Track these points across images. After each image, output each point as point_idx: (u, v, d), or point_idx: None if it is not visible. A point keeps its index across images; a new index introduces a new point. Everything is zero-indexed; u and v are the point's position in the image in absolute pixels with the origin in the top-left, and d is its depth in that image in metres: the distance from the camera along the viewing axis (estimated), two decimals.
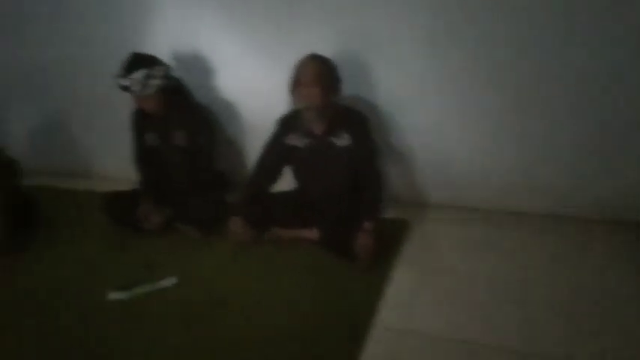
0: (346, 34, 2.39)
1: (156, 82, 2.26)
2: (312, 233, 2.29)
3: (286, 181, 2.40)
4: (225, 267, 2.20)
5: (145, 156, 2.55)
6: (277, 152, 2.31)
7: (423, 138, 2.50)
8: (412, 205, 2.62)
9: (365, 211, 2.14)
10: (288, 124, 2.27)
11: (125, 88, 2.25)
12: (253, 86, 2.68)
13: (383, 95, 2.47)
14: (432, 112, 2.41)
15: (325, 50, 2.21)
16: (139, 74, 2.22)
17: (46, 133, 3.37)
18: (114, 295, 1.99)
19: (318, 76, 2.07)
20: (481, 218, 2.47)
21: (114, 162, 3.15)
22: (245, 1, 2.51)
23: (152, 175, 2.55)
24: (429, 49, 2.27)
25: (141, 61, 2.27)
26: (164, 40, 2.73)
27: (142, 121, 2.49)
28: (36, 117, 3.35)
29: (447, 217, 2.51)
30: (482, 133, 2.38)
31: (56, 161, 3.46)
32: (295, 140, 2.26)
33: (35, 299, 2.06)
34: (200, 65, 2.73)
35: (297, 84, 2.12)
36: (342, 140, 2.20)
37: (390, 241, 2.24)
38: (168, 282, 2.06)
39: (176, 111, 2.42)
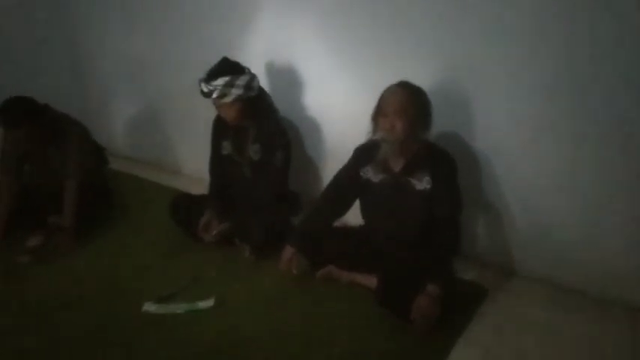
0: (450, 64, 2.11)
1: (236, 92, 2.17)
2: (370, 280, 2.03)
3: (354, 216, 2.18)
4: (267, 298, 2.04)
5: (218, 164, 2.48)
6: (349, 183, 2.09)
7: (520, 192, 2.11)
8: (496, 270, 2.24)
9: (431, 269, 1.83)
10: (364, 154, 2.05)
11: (205, 94, 2.19)
12: (341, 107, 2.50)
13: (480, 135, 2.14)
14: (537, 163, 2.03)
15: (423, 80, 1.96)
16: (220, 81, 2.15)
17: (143, 125, 3.50)
18: (148, 307, 1.92)
19: (403, 107, 1.82)
20: (577, 305, 2.01)
21: (201, 163, 3.16)
22: (348, 20, 2.34)
23: (222, 185, 2.47)
24: (545, 91, 1.91)
25: (226, 68, 2.19)
26: (259, 49, 2.67)
27: (221, 128, 2.42)
28: (136, 109, 3.49)
29: (534, 293, 2.09)
30: (597, 200, 1.94)
31: (150, 154, 3.57)
32: (370, 174, 2.03)
33: (75, 292, 2.07)
34: (290, 78, 2.61)
35: (379, 113, 1.89)
36: (422, 183, 1.92)
37: (458, 309, 1.90)
38: (205, 304, 1.94)
39: (255, 123, 2.32)
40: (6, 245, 2.32)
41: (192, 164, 3.34)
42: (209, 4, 2.79)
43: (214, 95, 2.16)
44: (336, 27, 2.39)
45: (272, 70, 2.67)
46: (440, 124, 2.02)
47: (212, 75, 2.17)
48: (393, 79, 1.92)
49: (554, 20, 1.81)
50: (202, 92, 2.19)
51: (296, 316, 1.92)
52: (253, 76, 2.25)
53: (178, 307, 1.92)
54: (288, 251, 2.06)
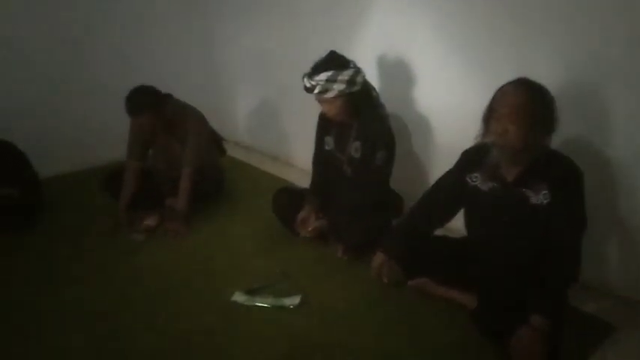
0: (583, 59, 1.81)
1: (338, 87, 2.09)
2: (468, 300, 1.83)
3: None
4: (352, 303, 1.95)
5: (321, 160, 2.44)
6: (454, 189, 1.89)
7: None
8: (629, 305, 1.88)
9: (540, 298, 1.57)
10: (473, 159, 1.83)
11: (308, 89, 2.15)
12: (454, 106, 2.30)
13: (619, 142, 1.80)
14: None
15: (548, 77, 1.70)
16: (322, 76, 2.08)
17: (263, 117, 3.62)
18: (237, 297, 1.95)
19: (518, 109, 1.57)
20: None
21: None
22: (467, 12, 2.14)
23: (323, 181, 2.43)
24: None
25: (330, 63, 2.12)
26: (374, 43, 2.57)
27: (325, 123, 2.37)
28: (258, 101, 3.62)
29: None
30: None
31: (267, 145, 3.68)
32: (478, 181, 1.81)
33: (173, 274, 2.18)
34: (402, 73, 2.48)
35: (491, 114, 1.66)
36: (538, 196, 1.66)
37: (571, 347, 1.62)
38: (290, 301, 1.92)
39: (358, 120, 2.23)
40: (126, 223, 2.55)
41: (304, 157, 3.35)
42: (324, 1, 2.76)
43: (316, 91, 2.11)
44: (453, 20, 2.21)
45: (383, 64, 2.56)
46: (567, 128, 1.74)
47: (315, 70, 2.12)
48: (513, 75, 1.67)
49: None
50: (305, 87, 2.15)
51: (378, 328, 1.81)
52: (358, 71, 2.15)
53: (265, 301, 1.93)
54: (380, 258, 1.94)
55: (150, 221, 2.55)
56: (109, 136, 3.12)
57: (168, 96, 2.55)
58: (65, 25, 3.14)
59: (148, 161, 2.72)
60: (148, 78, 2.55)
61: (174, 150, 2.63)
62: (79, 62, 3.25)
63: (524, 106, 1.57)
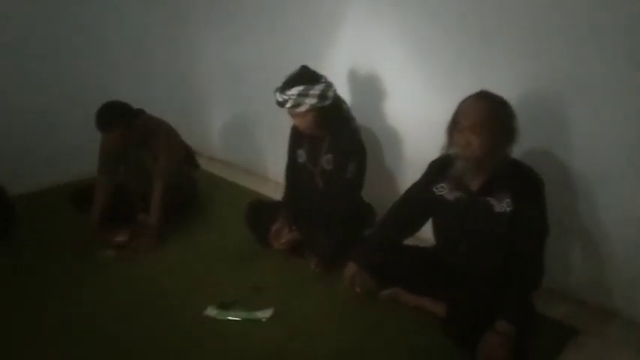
0: (547, 73, 1.89)
1: (310, 101, 2.13)
2: (438, 308, 1.86)
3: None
4: (326, 315, 1.96)
5: (294, 172, 2.47)
6: (421, 200, 1.94)
7: (626, 225, 1.81)
8: (592, 309, 1.94)
9: (504, 304, 1.62)
10: (438, 170, 1.88)
11: (279, 103, 2.18)
12: (423, 118, 2.36)
13: (579, 154, 1.88)
14: None
15: (512, 90, 1.78)
16: (294, 91, 2.12)
17: (236, 131, 3.63)
18: (210, 312, 1.95)
19: (480, 121, 1.63)
20: None
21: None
22: (432, 30, 2.21)
23: (296, 194, 2.45)
24: None
25: (301, 78, 2.16)
26: (342, 58, 2.63)
27: (297, 136, 2.41)
28: (232, 114, 3.63)
29: (635, 341, 1.77)
30: None
31: (242, 159, 3.69)
32: (444, 190, 1.86)
33: (145, 289, 2.16)
34: (371, 87, 2.53)
35: (454, 126, 1.72)
36: (501, 204, 1.72)
37: (536, 352, 1.67)
38: (263, 314, 1.92)
39: (329, 133, 2.27)
40: (96, 239, 2.51)
41: (278, 170, 3.37)
42: (295, 15, 2.82)
43: (288, 105, 2.14)
44: (420, 37, 2.29)
45: (353, 78, 2.62)
46: (530, 139, 1.81)
47: (287, 84, 2.16)
48: (478, 88, 1.74)
49: None
50: (277, 102, 2.18)
51: (353, 338, 1.83)
52: (329, 85, 2.20)
53: (237, 315, 1.92)
54: (352, 268, 1.96)
55: (121, 237, 2.52)
56: (79, 152, 3.08)
57: (140, 111, 2.54)
58: (33, 40, 3.10)
59: (119, 176, 2.70)
60: (120, 93, 2.55)
61: (146, 165, 2.62)
62: (48, 77, 3.20)
63: (485, 118, 1.63)
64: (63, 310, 2.03)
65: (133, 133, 2.46)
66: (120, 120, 2.39)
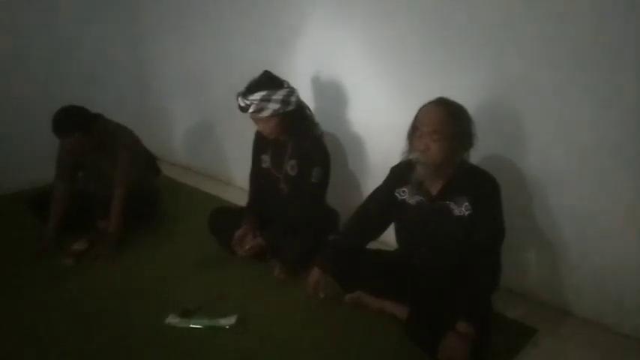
0: (502, 79, 1.96)
1: (272, 106, 2.13)
2: (401, 310, 1.89)
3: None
4: (290, 321, 1.96)
5: (258, 178, 2.46)
6: (384, 204, 1.96)
7: (579, 228, 1.89)
8: (548, 309, 2.01)
9: (464, 305, 1.66)
10: (400, 175, 1.91)
11: (242, 109, 2.17)
12: (385, 123, 2.39)
13: (533, 159, 1.95)
14: (604, 199, 1.80)
15: (471, 95, 1.84)
16: (256, 96, 2.12)
17: (199, 136, 3.59)
18: (171, 320, 1.91)
19: (438, 127, 1.67)
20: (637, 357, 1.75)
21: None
22: (392, 34, 2.25)
23: (260, 199, 2.44)
24: (616, 116, 1.70)
25: (264, 83, 2.16)
26: (303, 63, 2.64)
27: (261, 141, 2.40)
28: (193, 120, 3.59)
29: (588, 339, 1.85)
30: None
31: (204, 165, 3.65)
32: (405, 195, 1.89)
33: (104, 298, 2.12)
34: (334, 92, 2.56)
35: (414, 132, 1.76)
36: (460, 208, 1.76)
37: (495, 351, 1.71)
38: (227, 321, 1.90)
39: (293, 138, 2.27)
40: (55, 246, 2.44)
41: (242, 176, 3.36)
42: (255, 22, 2.82)
43: (250, 110, 2.14)
44: (382, 44, 2.32)
45: (316, 84, 2.64)
46: (486, 145, 1.86)
47: (249, 89, 2.15)
48: (439, 94, 1.78)
49: (622, 34, 1.61)
50: (239, 107, 2.17)
51: (318, 343, 1.83)
52: (292, 91, 2.21)
53: (200, 322, 1.90)
54: (316, 273, 1.97)
55: (79, 245, 2.45)
56: (36, 157, 2.98)
57: (98, 115, 2.48)
58: None
59: (77, 183, 2.62)
60: (77, 96, 2.48)
61: (105, 171, 2.55)
62: (2, 82, 3.09)
63: (443, 124, 1.67)
64: (20, 320, 1.96)
65: (91, 138, 2.40)
66: (78, 124, 2.33)
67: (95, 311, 2.02)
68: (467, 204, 1.75)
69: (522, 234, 2.03)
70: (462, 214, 1.76)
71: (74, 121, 2.32)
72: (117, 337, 1.86)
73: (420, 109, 1.75)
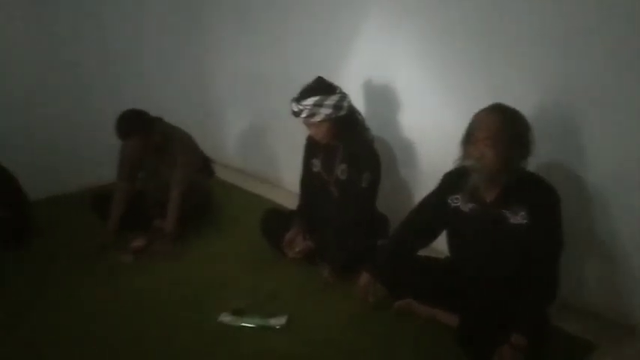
0: (560, 86, 1.89)
1: (325, 111, 2.16)
2: (452, 319, 1.86)
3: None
4: (338, 324, 1.97)
5: (308, 181, 2.49)
6: (436, 211, 1.94)
7: None
8: (609, 324, 1.92)
9: (519, 317, 1.62)
10: (453, 181, 1.88)
11: (295, 113, 2.21)
12: (437, 129, 2.37)
13: (594, 167, 1.87)
14: None
15: (526, 102, 1.79)
16: (309, 101, 2.15)
17: (252, 139, 3.68)
18: (223, 318, 1.97)
19: (493, 134, 1.64)
20: None
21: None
22: (450, 39, 2.23)
23: (310, 203, 2.47)
24: None
25: (317, 88, 2.20)
26: (357, 68, 2.66)
27: (313, 145, 2.43)
28: (247, 123, 3.68)
29: None
30: None
31: (256, 167, 3.73)
32: (459, 202, 1.86)
33: (160, 295, 2.20)
34: (386, 97, 2.55)
35: (468, 138, 1.73)
36: (517, 217, 1.71)
37: None
38: (277, 322, 1.94)
39: (344, 143, 2.29)
40: (114, 243, 2.57)
41: (291, 179, 3.41)
42: (309, 28, 2.87)
43: (303, 115, 2.17)
44: (435, 48, 2.30)
45: (368, 89, 2.64)
46: (545, 151, 1.81)
47: (303, 95, 2.19)
48: (494, 99, 1.75)
49: None
50: (292, 112, 2.22)
51: (365, 348, 1.83)
52: (344, 96, 2.23)
53: (251, 321, 1.94)
54: (365, 278, 1.97)
55: (137, 242, 2.56)
56: (99, 158, 3.14)
57: (158, 119, 2.60)
58: (55, 48, 3.19)
59: (137, 183, 2.75)
60: (138, 100, 2.60)
61: (163, 172, 2.66)
62: (69, 85, 3.28)
63: (499, 131, 1.64)
64: (80, 313, 2.07)
65: (151, 140, 2.52)
66: (139, 128, 2.44)
67: (150, 307, 2.10)
68: (523, 213, 1.70)
69: (582, 245, 1.94)
70: (518, 222, 1.71)
71: (136, 124, 2.44)
72: (170, 332, 1.93)
73: (475, 115, 1.72)
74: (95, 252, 2.51)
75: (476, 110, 1.74)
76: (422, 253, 2.03)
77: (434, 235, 2.00)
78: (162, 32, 3.63)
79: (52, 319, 2.04)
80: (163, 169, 2.65)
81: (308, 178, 2.49)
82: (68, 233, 2.78)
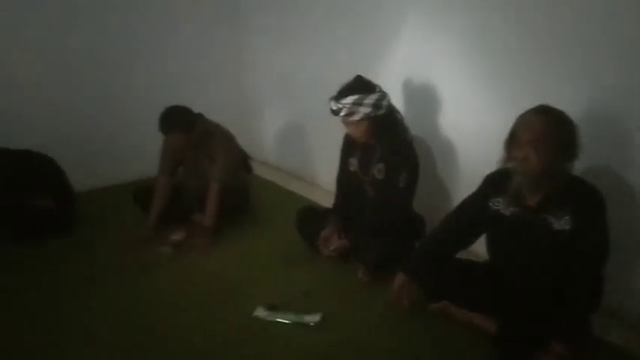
0: (606, 86, 1.82)
1: (364, 110, 2.15)
2: (489, 324, 1.82)
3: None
4: (373, 324, 1.97)
5: (345, 180, 2.49)
6: (476, 213, 1.90)
7: None
8: None
9: (561, 324, 1.57)
10: (495, 184, 1.84)
11: (334, 112, 2.21)
12: (478, 130, 2.33)
13: None
14: None
15: (574, 104, 1.73)
16: (348, 100, 2.15)
17: (288, 137, 3.71)
18: (259, 313, 1.99)
19: (539, 136, 1.59)
20: None
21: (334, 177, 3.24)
22: (492, 41, 2.19)
23: (346, 201, 2.47)
24: None
25: (356, 87, 2.18)
26: (397, 67, 2.63)
27: (350, 144, 2.43)
28: (284, 121, 3.72)
29: None
30: None
31: (292, 165, 3.76)
32: (500, 205, 1.82)
33: (197, 287, 2.24)
34: (426, 97, 2.52)
35: (513, 140, 1.69)
36: (560, 222, 1.67)
37: None
38: (311, 318, 1.95)
39: (382, 142, 2.28)
40: (154, 236, 2.64)
41: (326, 177, 3.42)
42: (349, 26, 2.86)
43: (342, 113, 2.17)
44: (478, 48, 2.26)
45: (408, 88, 2.62)
46: (592, 155, 1.75)
47: (342, 93, 2.18)
48: (538, 102, 1.70)
49: None
50: (331, 110, 2.22)
51: (399, 349, 1.82)
52: (383, 95, 2.21)
53: (286, 317, 1.96)
54: (401, 279, 1.95)
55: (177, 235, 2.63)
56: (142, 153, 3.24)
57: (200, 115, 2.65)
58: (105, 45, 3.31)
59: (177, 177, 2.81)
60: (180, 97, 2.66)
61: (203, 167, 2.72)
62: (116, 81, 3.40)
63: (544, 133, 1.59)
64: (117, 303, 2.14)
65: (192, 137, 2.57)
66: (181, 123, 2.50)
67: (186, 298, 2.15)
68: (567, 218, 1.65)
69: (628, 252, 1.87)
70: (561, 228, 1.66)
71: (178, 120, 2.50)
72: (205, 324, 1.97)
73: (521, 116, 1.68)
74: (136, 243, 2.59)
75: (521, 111, 1.70)
76: (459, 255, 2.00)
77: (473, 238, 1.96)
78: (202, 31, 3.70)
79: (94, 302, 2.13)
80: (203, 165, 2.71)
81: (344, 177, 2.49)
82: (111, 225, 2.88)
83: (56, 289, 2.25)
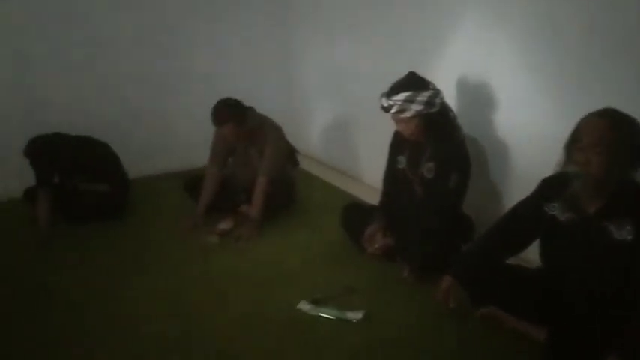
0: None
1: (415, 107, 2.11)
2: (539, 333, 1.75)
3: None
4: (416, 325, 1.93)
5: (392, 178, 2.46)
6: (530, 218, 1.82)
7: None
8: None
9: (619, 339, 1.49)
10: (552, 188, 1.76)
11: (385, 108, 2.19)
12: (535, 131, 2.24)
13: None
14: None
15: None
16: (400, 96, 2.12)
17: (335, 132, 3.71)
18: (302, 306, 2.01)
19: (603, 140, 1.51)
20: None
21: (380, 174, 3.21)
22: (552, 39, 2.10)
23: (392, 199, 2.45)
24: None
25: (409, 83, 2.15)
26: (452, 63, 2.57)
27: (399, 141, 2.40)
28: (331, 116, 3.72)
29: None
30: None
31: (338, 160, 3.76)
32: (557, 211, 1.75)
33: (242, 276, 2.29)
34: (481, 95, 2.45)
35: (573, 143, 1.61)
36: (621, 231, 1.58)
37: None
38: (354, 315, 1.94)
39: (433, 141, 2.23)
40: (203, 225, 2.71)
41: (372, 174, 3.39)
42: (399, 22, 2.82)
43: (393, 110, 2.14)
44: (539, 47, 2.16)
45: (462, 86, 2.55)
46: None
47: (394, 89, 2.16)
48: (601, 105, 1.62)
49: None
50: (382, 106, 2.19)
51: (442, 351, 1.79)
52: (437, 92, 2.17)
53: (329, 312, 1.96)
54: (448, 281, 1.90)
55: (224, 225, 2.68)
56: (193, 144, 3.33)
57: (250, 108, 2.69)
58: (154, 44, 3.45)
59: (227, 169, 2.87)
60: (231, 90, 2.72)
61: (252, 159, 2.76)
62: (168, 77, 3.54)
63: (608, 137, 1.51)
64: (164, 287, 2.21)
65: (242, 129, 2.62)
66: (233, 116, 2.55)
67: (231, 286, 2.20)
68: (629, 227, 1.56)
69: None
70: (622, 237, 1.57)
71: (229, 112, 2.55)
72: (249, 313, 2.01)
73: (583, 119, 1.59)
74: (184, 231, 2.67)
75: (583, 114, 1.62)
76: (510, 261, 1.94)
77: (525, 244, 1.89)
78: (252, 26, 3.76)
79: (140, 285, 2.22)
80: (253, 157, 2.75)
81: (392, 175, 2.46)
82: (162, 212, 2.99)
83: (105, 272, 2.34)
